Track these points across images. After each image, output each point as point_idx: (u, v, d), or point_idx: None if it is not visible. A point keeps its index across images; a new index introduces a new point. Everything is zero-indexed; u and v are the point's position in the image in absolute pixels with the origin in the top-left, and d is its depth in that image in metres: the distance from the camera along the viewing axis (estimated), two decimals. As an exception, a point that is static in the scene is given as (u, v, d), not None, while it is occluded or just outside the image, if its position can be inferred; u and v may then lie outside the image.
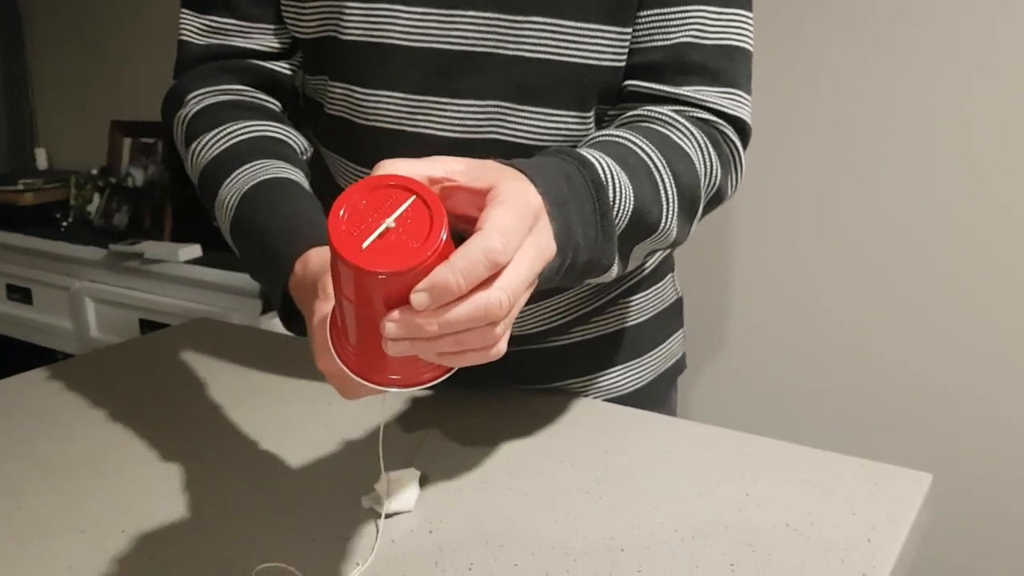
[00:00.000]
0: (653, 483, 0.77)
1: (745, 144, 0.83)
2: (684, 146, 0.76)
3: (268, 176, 0.79)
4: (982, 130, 1.58)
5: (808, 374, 1.82)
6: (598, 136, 0.75)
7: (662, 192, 0.72)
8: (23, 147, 2.92)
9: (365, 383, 0.55)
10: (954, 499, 1.70)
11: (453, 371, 0.57)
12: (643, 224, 0.70)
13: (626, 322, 0.99)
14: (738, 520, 0.71)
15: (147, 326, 2.11)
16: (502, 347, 0.54)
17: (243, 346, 1.12)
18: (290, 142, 0.86)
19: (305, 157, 0.89)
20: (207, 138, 0.84)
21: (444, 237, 0.49)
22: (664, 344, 1.04)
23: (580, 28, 0.79)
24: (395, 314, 0.49)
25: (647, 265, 0.99)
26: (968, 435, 1.68)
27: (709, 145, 0.78)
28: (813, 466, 0.80)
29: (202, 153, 0.84)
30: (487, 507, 0.74)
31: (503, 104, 0.81)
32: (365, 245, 0.48)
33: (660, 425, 0.89)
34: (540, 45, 0.80)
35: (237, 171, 0.80)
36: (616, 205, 0.66)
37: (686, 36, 0.79)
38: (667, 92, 0.80)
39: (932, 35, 1.59)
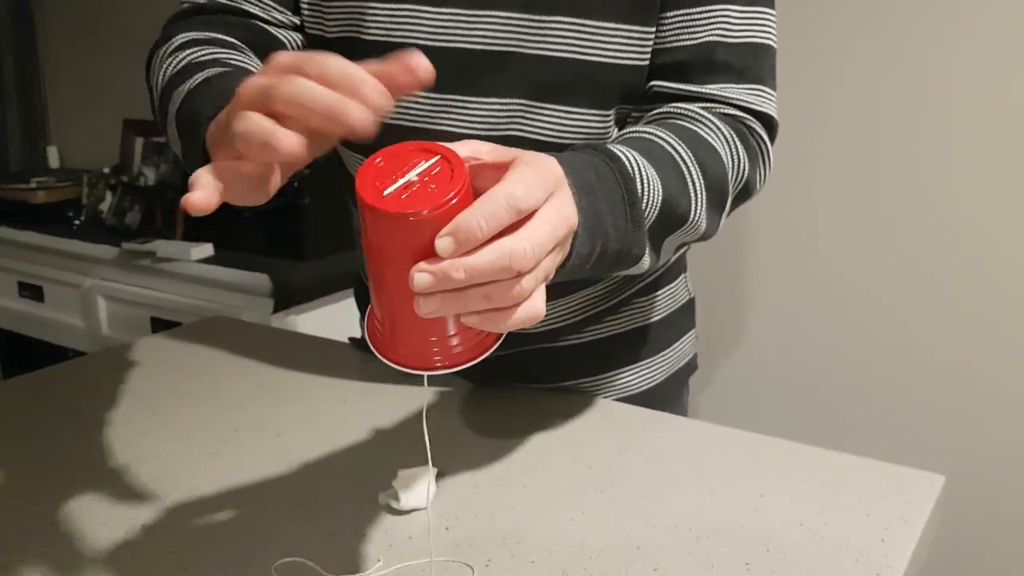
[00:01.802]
0: (667, 483, 0.78)
1: (773, 139, 0.84)
2: (711, 140, 0.76)
3: (219, 70, 0.72)
4: (1005, 128, 1.58)
5: (821, 376, 1.82)
6: (624, 133, 0.76)
7: (690, 184, 0.72)
8: (35, 145, 2.94)
9: (400, 367, 0.55)
10: (967, 501, 1.70)
11: (488, 352, 0.56)
12: (673, 216, 0.71)
13: (639, 322, 1.00)
14: (752, 520, 0.72)
15: (159, 324, 2.12)
16: (536, 307, 0.53)
17: (257, 344, 1.13)
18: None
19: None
20: (171, 60, 0.78)
21: (464, 187, 0.50)
22: (676, 344, 1.04)
23: (603, 27, 0.80)
24: (422, 264, 0.49)
25: (668, 262, 1.00)
26: (981, 437, 1.68)
27: (736, 139, 0.79)
28: (826, 467, 0.80)
29: (164, 74, 0.78)
30: (503, 505, 0.74)
31: (525, 102, 0.82)
32: (387, 192, 0.50)
33: (674, 426, 0.90)
34: (563, 44, 0.80)
35: (194, 76, 0.73)
36: (645, 196, 0.67)
37: (712, 35, 0.80)
38: (694, 91, 0.81)
39: (957, 30, 1.59)
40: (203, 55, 0.76)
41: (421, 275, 0.49)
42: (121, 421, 0.91)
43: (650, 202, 0.68)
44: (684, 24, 0.81)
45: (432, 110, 0.83)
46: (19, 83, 2.88)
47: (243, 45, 0.83)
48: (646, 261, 0.70)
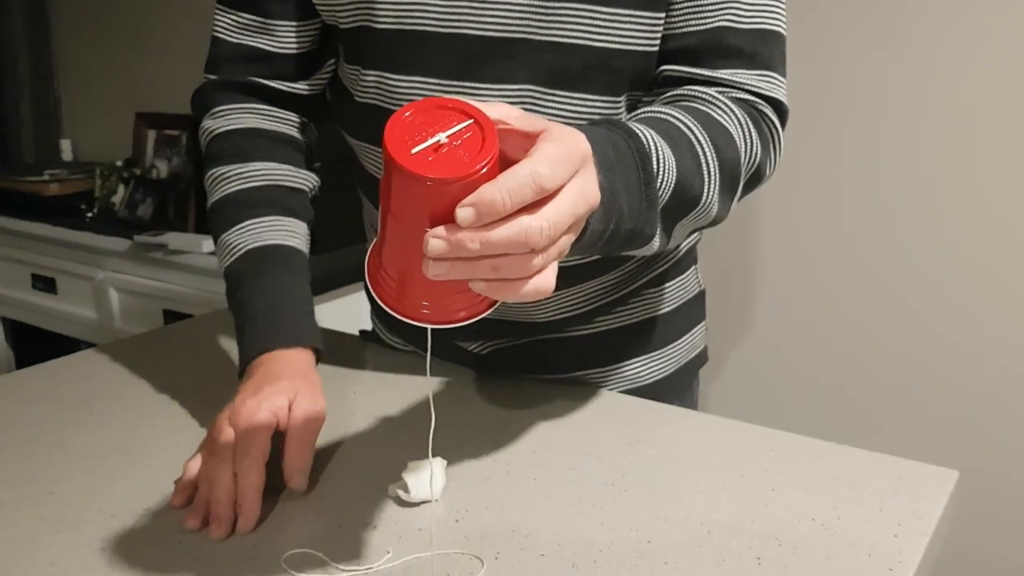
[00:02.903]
0: (678, 476, 0.77)
1: (783, 125, 0.84)
2: (725, 123, 0.76)
3: (270, 242, 0.88)
4: (1017, 125, 1.57)
5: (833, 369, 1.81)
6: (641, 112, 0.76)
7: (704, 166, 0.72)
8: (49, 138, 2.95)
9: (399, 315, 0.55)
10: (980, 496, 1.69)
11: (483, 313, 0.57)
12: (686, 197, 0.71)
13: (648, 313, 0.99)
14: (764, 514, 0.71)
15: (171, 316, 2.13)
16: (544, 283, 0.54)
17: (268, 336, 1.13)
18: (301, 186, 0.94)
19: (313, 194, 0.97)
20: (225, 171, 0.92)
21: (493, 158, 0.49)
22: (686, 336, 1.04)
23: (613, 13, 0.80)
24: (439, 230, 0.50)
25: (677, 252, 1.00)
26: (995, 433, 1.67)
27: (749, 122, 0.79)
28: (839, 462, 0.80)
29: (219, 185, 0.93)
30: (513, 497, 0.74)
31: (535, 88, 0.82)
32: (415, 151, 0.49)
33: (685, 419, 0.89)
34: (573, 30, 0.80)
35: (246, 222, 0.89)
36: (660, 176, 0.67)
37: (722, 21, 0.80)
38: (705, 75, 0.81)
39: (967, 26, 1.58)
40: (256, 175, 0.92)
41: (436, 241, 0.50)
42: (131, 412, 0.91)
43: (665, 181, 0.68)
44: (694, 10, 0.81)
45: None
46: (33, 76, 2.89)
47: (272, 111, 0.96)
48: (656, 242, 0.71)
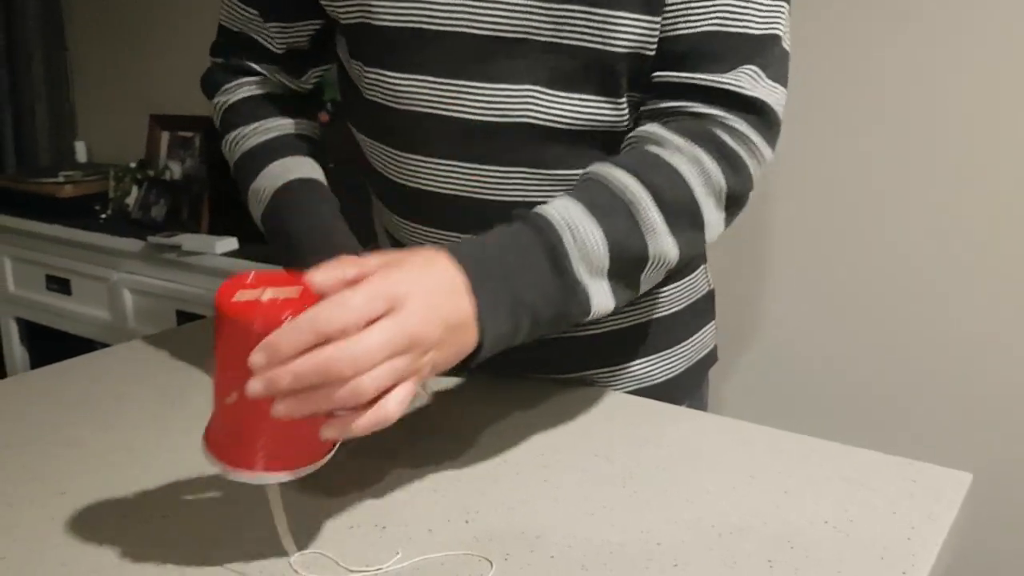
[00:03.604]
0: (689, 478, 0.77)
1: (765, 124, 0.82)
2: (672, 163, 0.78)
3: (295, 177, 0.92)
4: (1025, 128, 1.56)
5: (845, 371, 1.80)
6: (584, 174, 0.79)
7: (642, 224, 0.75)
8: (63, 140, 2.96)
9: (239, 473, 0.61)
10: (994, 499, 1.68)
11: (328, 455, 0.64)
12: (628, 256, 0.75)
13: (657, 313, 0.99)
14: (776, 516, 0.71)
15: (184, 317, 2.13)
16: (385, 411, 0.60)
17: (280, 337, 1.13)
18: (312, 135, 0.99)
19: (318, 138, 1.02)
20: (242, 131, 0.97)
21: (296, 311, 0.57)
22: (695, 336, 1.04)
23: (611, 16, 0.80)
24: (255, 376, 0.57)
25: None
26: (1010, 435, 1.66)
27: (703, 155, 0.78)
28: (852, 464, 0.79)
29: (238, 144, 0.97)
30: (522, 498, 0.74)
31: (537, 88, 0.82)
32: (235, 299, 0.58)
33: (696, 420, 0.89)
34: (574, 32, 0.81)
35: (269, 165, 0.93)
36: (583, 254, 0.72)
37: (710, 25, 0.80)
38: (686, 78, 0.81)
39: (1000, 15, 1.57)
40: (270, 129, 0.97)
41: (254, 382, 0.57)
42: (143, 412, 0.91)
43: (593, 256, 0.73)
44: (684, 12, 0.80)
45: (441, 96, 0.84)
46: (48, 79, 2.91)
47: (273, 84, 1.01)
48: (604, 307, 0.75)
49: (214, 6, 1.01)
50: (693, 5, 0.80)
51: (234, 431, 0.61)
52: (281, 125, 0.97)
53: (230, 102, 0.99)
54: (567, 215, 0.73)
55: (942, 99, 1.62)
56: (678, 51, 0.81)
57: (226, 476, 0.61)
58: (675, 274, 0.99)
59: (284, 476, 0.62)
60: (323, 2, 0.90)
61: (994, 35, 1.55)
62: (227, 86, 1.00)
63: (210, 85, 1.02)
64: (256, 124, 0.97)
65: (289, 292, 0.60)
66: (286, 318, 0.57)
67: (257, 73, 0.99)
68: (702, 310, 1.05)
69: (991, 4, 1.54)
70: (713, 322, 1.07)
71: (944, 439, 1.72)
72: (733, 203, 0.81)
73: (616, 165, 0.78)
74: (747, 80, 0.80)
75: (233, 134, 0.98)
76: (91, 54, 2.93)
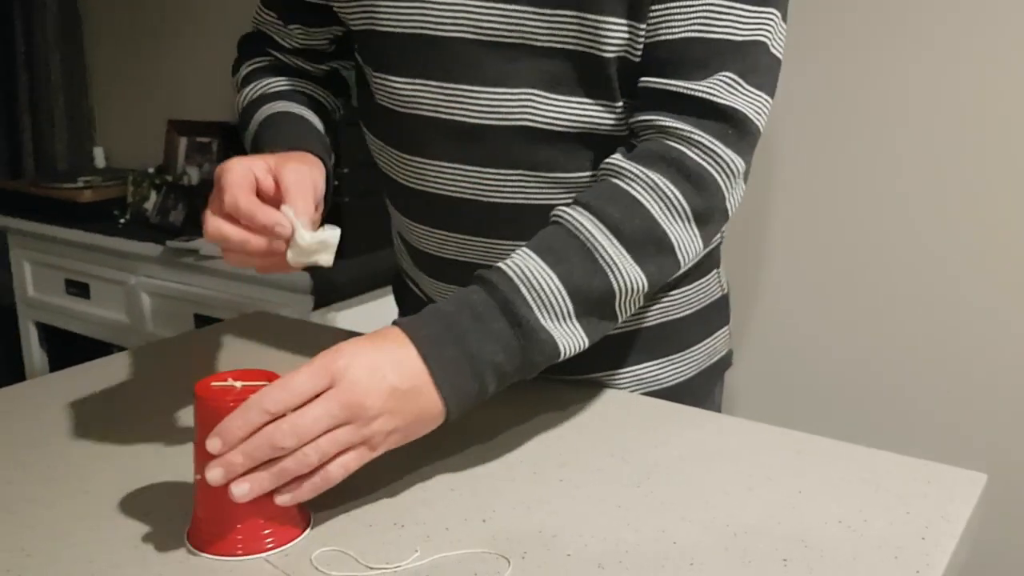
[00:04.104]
0: (704, 478, 0.78)
1: (738, 138, 0.81)
2: (632, 192, 0.78)
3: (278, 111, 0.95)
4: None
5: (861, 372, 1.80)
6: (549, 217, 0.81)
7: (601, 259, 0.76)
8: (82, 146, 2.99)
9: (216, 557, 0.67)
10: (1010, 500, 1.67)
11: (299, 536, 0.69)
12: (592, 296, 0.76)
13: (668, 316, 1.00)
14: (790, 516, 0.71)
15: (201, 321, 2.15)
16: (327, 475, 0.67)
17: (297, 338, 1.14)
18: (324, 102, 1.02)
19: (337, 116, 1.06)
20: (248, 89, 1.00)
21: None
22: (708, 340, 1.04)
23: (603, 22, 0.81)
24: (211, 463, 0.64)
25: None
26: None
27: (661, 179, 0.78)
28: (866, 465, 0.80)
29: (244, 100, 1.00)
30: (539, 497, 0.75)
31: (534, 92, 0.84)
32: (212, 385, 0.68)
33: (711, 422, 0.89)
34: (567, 37, 0.82)
35: (261, 108, 0.96)
36: (541, 302, 0.74)
37: (690, 31, 0.80)
38: (663, 85, 0.81)
39: (999, 16, 1.56)
40: (269, 87, 0.99)
41: (212, 471, 0.64)
42: (162, 412, 0.92)
43: (553, 303, 0.74)
44: (665, 18, 0.80)
45: (441, 99, 0.86)
46: (66, 85, 2.93)
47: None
48: (575, 346, 0.76)
49: (231, 13, 1.05)
50: (674, 11, 0.80)
51: (214, 516, 0.68)
52: (292, 82, 1.01)
53: (244, 73, 1.02)
54: (522, 267, 0.75)
55: (956, 101, 1.62)
56: (660, 57, 0.81)
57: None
58: (685, 278, 1.00)
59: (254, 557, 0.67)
60: (336, 9, 0.93)
61: (1002, 32, 1.55)
62: (246, 63, 1.03)
63: (233, 70, 1.06)
64: (269, 80, 1.00)
65: (261, 383, 0.68)
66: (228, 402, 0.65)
67: (273, 56, 1.03)
68: (714, 315, 1.05)
69: (998, 3, 1.54)
70: (727, 327, 1.07)
71: (960, 440, 1.72)
72: (704, 220, 0.80)
73: (575, 204, 0.79)
74: (722, 88, 0.79)
75: (239, 96, 1.01)
76: (109, 60, 2.96)
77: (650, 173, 0.79)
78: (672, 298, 0.99)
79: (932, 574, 0.64)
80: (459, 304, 0.74)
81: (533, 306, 0.74)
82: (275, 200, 0.77)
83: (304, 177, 0.78)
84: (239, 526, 0.67)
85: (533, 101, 0.84)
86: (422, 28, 0.84)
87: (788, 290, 1.86)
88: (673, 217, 0.79)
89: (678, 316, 1.00)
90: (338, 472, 0.67)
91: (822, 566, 0.65)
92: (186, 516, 0.71)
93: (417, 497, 0.75)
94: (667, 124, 0.80)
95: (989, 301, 1.65)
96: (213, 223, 0.74)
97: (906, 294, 1.73)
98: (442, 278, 0.98)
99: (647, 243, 0.78)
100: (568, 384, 0.99)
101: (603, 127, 0.86)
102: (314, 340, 1.14)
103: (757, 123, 0.82)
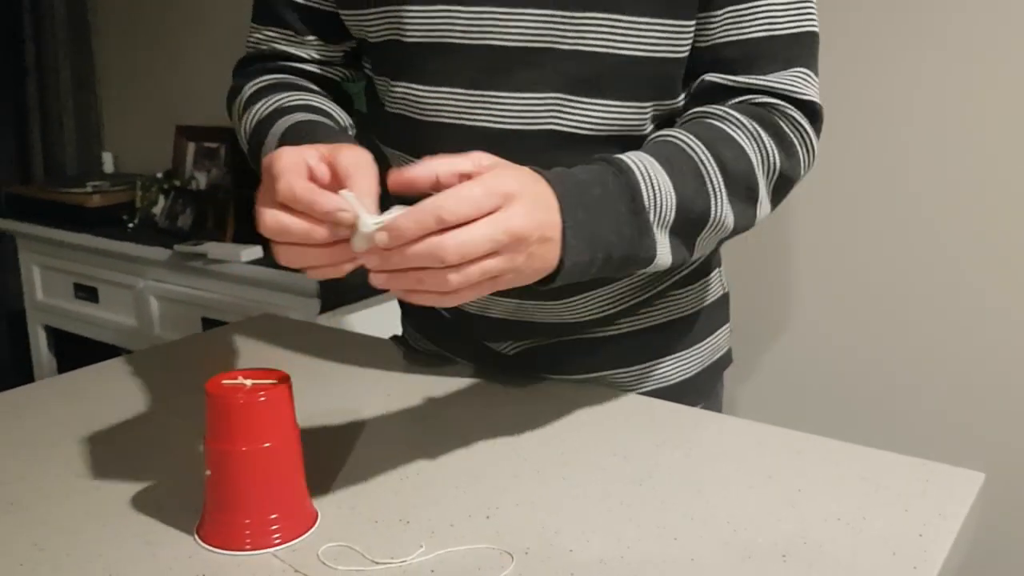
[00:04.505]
0: (706, 476, 0.79)
1: (816, 123, 0.87)
2: (736, 136, 0.81)
3: (300, 120, 0.87)
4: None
5: (860, 371, 1.81)
6: (654, 136, 0.82)
7: (708, 185, 0.78)
8: (91, 151, 3.01)
9: (225, 552, 0.68)
10: (1009, 500, 1.67)
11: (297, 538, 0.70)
12: (691, 216, 0.77)
13: (673, 315, 1.01)
14: (790, 513, 0.72)
15: (209, 324, 2.16)
16: (460, 297, 0.64)
17: (304, 340, 1.16)
18: (339, 119, 0.94)
19: (351, 133, 0.97)
20: (257, 106, 0.92)
21: (258, 401, 0.67)
22: (710, 337, 1.06)
23: (637, 22, 0.82)
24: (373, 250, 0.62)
25: (703, 256, 1.02)
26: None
27: (761, 132, 0.82)
28: (865, 463, 0.81)
29: (254, 117, 0.92)
30: (542, 495, 0.76)
31: (561, 96, 0.84)
32: (224, 383, 0.68)
33: (712, 422, 0.90)
34: (597, 39, 0.83)
35: (280, 120, 0.88)
36: (654, 204, 0.74)
37: (759, 30, 0.84)
38: (742, 82, 0.85)
39: (993, 26, 1.57)
40: (286, 101, 0.91)
41: (371, 255, 0.63)
42: (171, 412, 0.94)
43: (662, 208, 0.74)
44: (733, 19, 0.84)
45: (468, 106, 0.86)
46: (75, 91, 2.96)
47: (307, 84, 0.98)
48: (664, 260, 0.77)
49: (239, 19, 1.03)
50: (741, 12, 0.84)
51: (222, 512, 0.69)
52: (301, 95, 0.93)
53: (248, 94, 0.95)
54: (646, 164, 0.75)
55: (957, 104, 1.62)
56: (730, 56, 0.85)
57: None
58: (691, 277, 1.01)
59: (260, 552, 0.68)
60: (351, 23, 0.92)
61: (1017, 31, 1.56)
62: (249, 84, 0.96)
63: (231, 97, 0.99)
64: (273, 97, 0.92)
65: (271, 382, 0.69)
66: (262, 398, 0.67)
67: (284, 71, 0.98)
68: (717, 312, 1.06)
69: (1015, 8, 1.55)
70: (728, 324, 1.09)
71: (958, 440, 1.73)
72: (782, 185, 0.85)
73: (686, 131, 0.81)
74: (801, 82, 0.85)
75: (247, 115, 0.93)
76: (118, 66, 2.98)
77: (755, 125, 0.82)
78: (679, 296, 1.01)
79: (929, 570, 0.65)
80: (591, 175, 0.73)
81: (648, 204, 0.74)
82: (330, 190, 0.68)
83: (362, 158, 0.69)
84: (247, 521, 0.68)
85: (559, 105, 0.85)
86: (449, 37, 0.84)
87: (789, 292, 1.87)
88: (764, 173, 0.83)
89: (685, 314, 1.02)
90: (458, 300, 0.65)
91: (821, 562, 0.66)
92: (195, 512, 0.72)
93: (422, 494, 0.76)
94: (760, 100, 0.85)
95: (987, 300, 1.65)
96: (270, 215, 0.66)
97: (905, 294, 1.73)
98: None
99: (743, 188, 0.81)
100: (573, 384, 1.00)
101: (628, 128, 0.87)
102: (321, 343, 1.15)
103: (823, 114, 0.88)
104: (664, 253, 0.76)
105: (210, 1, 2.64)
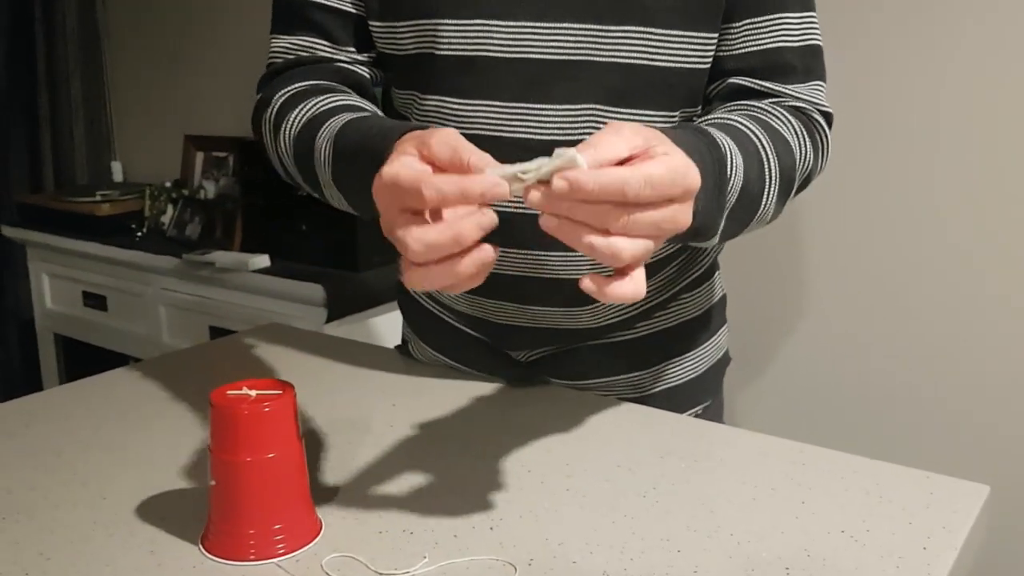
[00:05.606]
0: (710, 488, 0.79)
1: (830, 129, 0.92)
2: (783, 132, 0.84)
3: (353, 116, 0.82)
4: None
5: (864, 383, 1.80)
6: (716, 118, 0.83)
7: (767, 171, 0.80)
8: (101, 160, 3.03)
9: (229, 562, 0.68)
10: (1014, 514, 1.67)
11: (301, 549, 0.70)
12: (747, 200, 0.78)
13: (683, 317, 1.04)
14: (794, 526, 0.72)
15: (217, 333, 2.17)
16: (619, 245, 0.59)
17: (311, 349, 1.16)
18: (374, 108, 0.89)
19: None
20: (294, 114, 0.88)
21: (262, 411, 0.67)
22: (714, 337, 1.09)
23: (668, 34, 0.85)
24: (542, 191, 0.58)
25: (708, 257, 1.05)
26: (1034, 456, 1.65)
27: (803, 132, 0.86)
28: (870, 476, 0.80)
29: (292, 128, 0.87)
30: (546, 506, 0.76)
31: (597, 107, 0.86)
32: (229, 393, 0.69)
33: (717, 433, 0.90)
34: (633, 51, 0.85)
35: (325, 124, 0.83)
36: (731, 181, 0.75)
37: (777, 41, 0.88)
38: (768, 87, 0.88)
39: (996, 29, 1.57)
40: (326, 102, 0.87)
41: (539, 195, 0.59)
42: (179, 421, 0.94)
43: (734, 186, 0.75)
44: (752, 31, 0.88)
45: (505, 119, 0.87)
46: (86, 101, 2.98)
47: (340, 86, 0.94)
48: (714, 240, 0.78)
49: (248, 30, 1.02)
50: (760, 24, 0.87)
51: (227, 522, 0.69)
52: (337, 97, 0.89)
53: (279, 103, 0.91)
54: (728, 143, 0.76)
55: (955, 104, 1.62)
56: (752, 64, 0.88)
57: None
58: (697, 282, 1.04)
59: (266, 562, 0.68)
60: (380, 36, 0.92)
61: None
62: (278, 94, 0.92)
63: (259, 109, 0.95)
64: (308, 103, 0.88)
65: (275, 392, 0.69)
66: (266, 409, 0.67)
67: (317, 73, 0.93)
68: (718, 314, 1.10)
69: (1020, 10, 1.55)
70: (726, 325, 1.13)
71: (963, 452, 1.72)
72: (803, 186, 0.89)
73: (744, 117, 0.83)
74: (822, 95, 0.91)
75: (284, 125, 0.89)
76: (128, 76, 3.01)
77: (799, 125, 0.87)
78: (689, 299, 1.04)
79: (933, 583, 0.65)
80: (693, 144, 0.69)
81: (728, 184, 0.74)
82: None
83: (459, 136, 0.63)
84: (251, 532, 0.68)
85: (596, 116, 0.86)
86: (486, 50, 0.85)
87: (791, 302, 1.86)
88: (801, 172, 0.86)
89: (691, 317, 1.05)
90: (624, 258, 0.60)
91: (824, 574, 0.66)
92: (200, 522, 0.72)
93: (426, 504, 0.76)
94: (790, 104, 0.89)
95: (994, 312, 1.65)
96: (412, 238, 0.59)
97: (910, 305, 1.73)
98: (480, 291, 0.93)
99: (785, 184, 0.83)
100: (575, 394, 1.00)
101: None
102: (327, 352, 1.15)
103: (833, 116, 0.92)
104: (719, 233, 0.77)
105: (219, 13, 2.66)
